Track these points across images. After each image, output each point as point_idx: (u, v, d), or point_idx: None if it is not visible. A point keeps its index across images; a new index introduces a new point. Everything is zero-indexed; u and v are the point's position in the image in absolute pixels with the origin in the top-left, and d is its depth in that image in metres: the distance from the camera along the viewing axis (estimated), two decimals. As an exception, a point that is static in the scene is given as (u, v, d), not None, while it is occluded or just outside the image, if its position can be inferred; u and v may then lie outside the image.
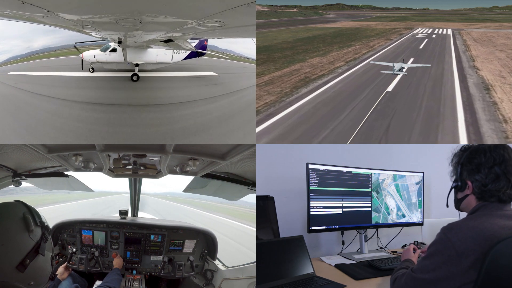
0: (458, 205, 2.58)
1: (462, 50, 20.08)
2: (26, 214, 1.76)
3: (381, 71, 12.68)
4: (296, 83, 11.94)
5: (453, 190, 2.60)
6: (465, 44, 23.05)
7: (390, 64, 12.51)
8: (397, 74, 11.87)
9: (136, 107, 8.20)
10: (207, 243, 4.58)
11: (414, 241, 4.29)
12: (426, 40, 25.67)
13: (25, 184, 4.34)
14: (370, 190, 4.11)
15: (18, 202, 1.83)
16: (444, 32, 33.31)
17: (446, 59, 16.83)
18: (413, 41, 25.04)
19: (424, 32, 33.13)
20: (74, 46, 11.17)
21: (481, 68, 14.76)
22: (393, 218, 4.30)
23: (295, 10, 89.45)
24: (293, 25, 41.69)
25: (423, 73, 13.12)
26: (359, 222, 4.04)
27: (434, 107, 9.21)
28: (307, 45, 22.33)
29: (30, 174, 4.21)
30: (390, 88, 11.13)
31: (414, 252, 3.03)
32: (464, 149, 2.54)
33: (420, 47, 21.11)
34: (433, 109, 8.98)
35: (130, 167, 4.08)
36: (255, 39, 12.29)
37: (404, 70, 11.97)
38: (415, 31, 33.92)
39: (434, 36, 29.32)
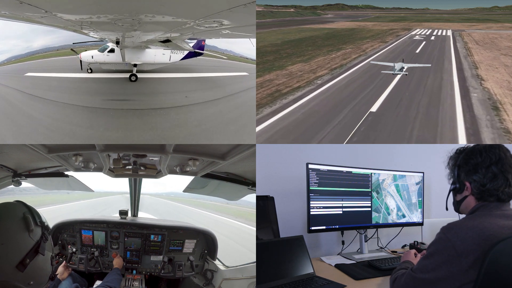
0: (457, 207, 2.59)
1: (464, 55, 18.39)
2: (26, 214, 1.77)
3: (381, 71, 12.66)
4: (261, 100, 9.76)
5: (451, 192, 2.61)
6: (466, 47, 21.57)
7: (391, 64, 12.54)
8: (398, 74, 11.85)
9: (135, 111, 8.14)
10: (207, 243, 4.58)
11: (414, 241, 4.30)
12: (424, 42, 24.47)
13: (25, 184, 4.34)
14: (370, 190, 4.10)
15: (18, 202, 1.84)
16: (444, 33, 32.17)
17: (446, 66, 14.97)
18: (409, 44, 23.67)
19: (423, 33, 32.00)
20: (71, 49, 11.19)
21: (486, 77, 12.73)
22: (393, 218, 4.30)
23: (292, 10, 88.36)
24: (287, 26, 40.28)
25: (418, 85, 11.32)
26: (359, 222, 4.04)
27: (428, 139, 7.18)
28: (294, 48, 20.69)
29: (30, 174, 4.21)
30: (374, 108, 8.99)
31: (415, 256, 3.02)
32: (459, 151, 2.55)
33: (417, 51, 19.69)
34: (427, 143, 6.98)
35: (130, 167, 4.09)
36: (254, 39, 12.27)
37: (404, 70, 11.98)
38: (413, 32, 32.77)
39: (433, 38, 28.06)
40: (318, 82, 11.90)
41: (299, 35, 29.95)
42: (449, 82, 11.83)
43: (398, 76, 11.78)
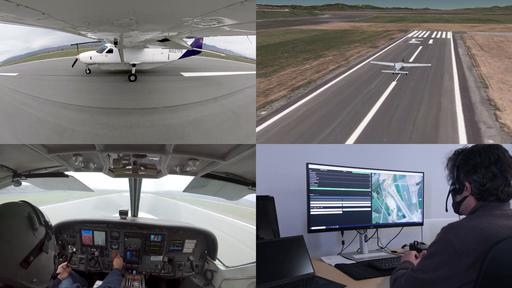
0: (457, 208, 2.60)
1: (468, 66, 14.77)
2: (31, 214, 1.82)
3: (382, 70, 12.65)
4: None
5: (451, 193, 2.62)
6: (470, 54, 18.02)
7: (391, 63, 12.58)
8: (398, 74, 11.85)
9: (135, 110, 8.12)
10: (207, 243, 4.59)
11: (414, 241, 4.30)
12: (420, 47, 20.82)
13: (24, 183, 4.33)
14: (370, 190, 4.11)
15: (23, 202, 1.90)
16: (443, 36, 28.79)
17: (445, 84, 11.20)
18: (404, 49, 19.98)
19: (420, 36, 28.60)
20: (76, 45, 11.22)
21: (501, 104, 8.92)
22: (393, 218, 4.30)
23: (286, 10, 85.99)
24: (275, 27, 36.80)
25: (405, 119, 7.72)
26: (359, 222, 4.04)
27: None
28: (266, 55, 16.91)
29: (30, 174, 4.21)
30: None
31: (416, 258, 3.03)
32: (458, 152, 2.57)
33: (411, 60, 16.20)
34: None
35: (130, 167, 4.08)
36: (254, 37, 12.22)
37: (405, 69, 12.03)
38: (409, 35, 29.26)
39: (431, 41, 24.49)
40: (262, 113, 8.13)
41: (283, 38, 26.19)
42: (450, 115, 8.10)
43: (377, 105, 8.78)
